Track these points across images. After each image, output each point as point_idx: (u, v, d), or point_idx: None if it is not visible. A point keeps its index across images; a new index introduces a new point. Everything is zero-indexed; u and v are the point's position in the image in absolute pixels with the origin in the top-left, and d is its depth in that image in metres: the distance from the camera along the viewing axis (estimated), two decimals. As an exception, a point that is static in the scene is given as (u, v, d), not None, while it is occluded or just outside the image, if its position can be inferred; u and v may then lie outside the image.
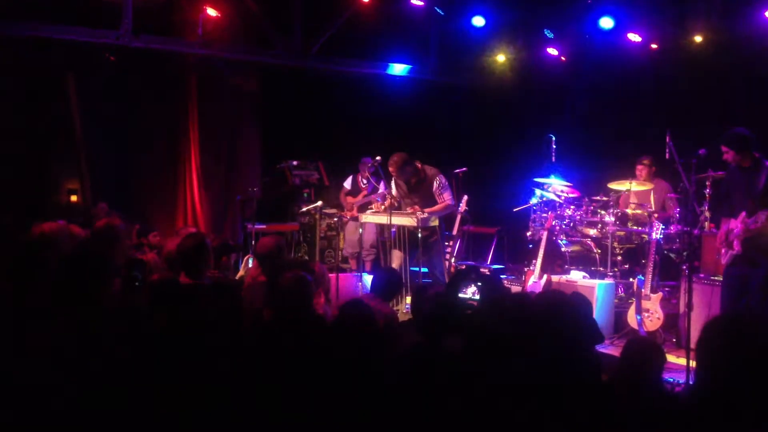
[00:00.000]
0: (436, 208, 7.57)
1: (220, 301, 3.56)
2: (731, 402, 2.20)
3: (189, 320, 3.44)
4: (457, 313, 3.72)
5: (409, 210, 7.55)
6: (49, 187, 10.07)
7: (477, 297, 4.61)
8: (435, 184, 7.60)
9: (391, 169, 7.60)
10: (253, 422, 2.97)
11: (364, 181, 9.33)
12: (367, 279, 7.67)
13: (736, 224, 5.92)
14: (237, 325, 3.52)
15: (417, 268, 7.71)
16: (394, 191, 7.85)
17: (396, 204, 7.77)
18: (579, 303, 3.20)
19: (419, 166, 7.63)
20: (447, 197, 7.63)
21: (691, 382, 5.25)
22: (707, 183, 7.18)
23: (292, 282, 4.21)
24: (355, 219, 8.99)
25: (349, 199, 9.59)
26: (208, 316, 3.39)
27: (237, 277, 7.27)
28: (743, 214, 5.87)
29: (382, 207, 7.86)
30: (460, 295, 4.65)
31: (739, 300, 5.90)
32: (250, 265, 7.24)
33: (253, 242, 8.45)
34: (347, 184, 9.61)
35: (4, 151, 9.18)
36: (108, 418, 2.82)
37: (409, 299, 7.35)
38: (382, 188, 9.01)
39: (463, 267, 8.60)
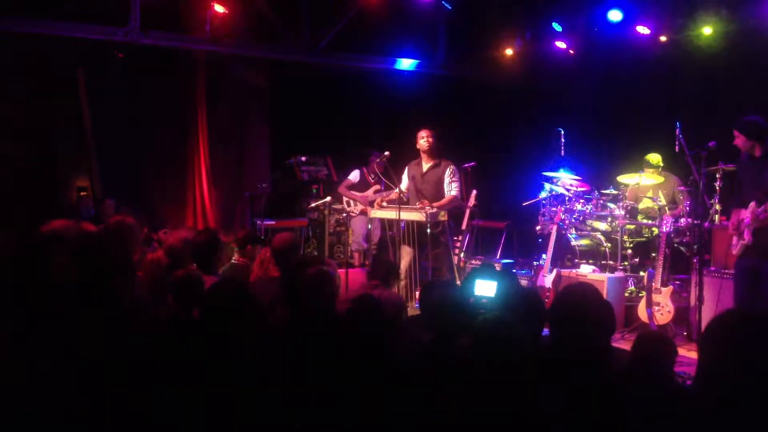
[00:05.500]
0: (443, 201, 7.56)
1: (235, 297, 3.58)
2: (731, 397, 2.20)
3: (209, 316, 3.45)
4: (469, 311, 3.72)
5: (418, 205, 7.54)
6: (59, 184, 10.10)
7: (491, 294, 4.59)
8: (448, 171, 7.62)
9: (426, 132, 7.64)
10: (269, 419, 2.98)
11: (373, 176, 9.30)
12: None
13: (746, 214, 5.90)
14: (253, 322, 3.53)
15: (426, 263, 7.70)
16: (404, 183, 7.84)
17: (405, 199, 7.76)
18: (594, 296, 3.19)
19: (439, 146, 7.74)
20: (455, 188, 7.62)
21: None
22: (717, 175, 7.15)
23: (315, 277, 4.20)
24: (364, 214, 8.98)
25: (355, 193, 9.53)
26: (227, 312, 3.40)
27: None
28: (753, 204, 5.85)
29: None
30: (475, 292, 4.63)
31: (752, 291, 5.86)
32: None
33: (262, 238, 8.46)
34: (354, 177, 9.55)
35: (14, 148, 9.22)
36: (115, 419, 2.83)
37: (418, 294, 7.34)
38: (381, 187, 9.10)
39: (478, 264, 8.60)
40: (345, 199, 9.64)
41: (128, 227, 5.44)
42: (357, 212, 9.38)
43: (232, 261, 5.90)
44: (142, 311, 3.61)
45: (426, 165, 7.71)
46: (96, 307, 3.12)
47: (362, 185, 9.55)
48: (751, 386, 2.19)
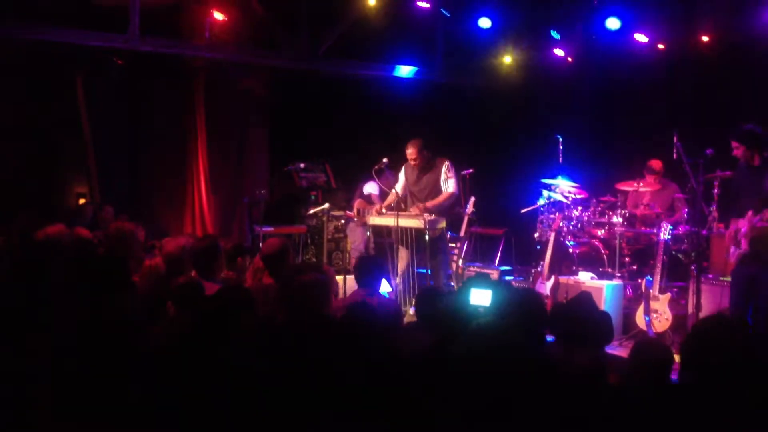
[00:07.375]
0: (439, 199, 7.51)
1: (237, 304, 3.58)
2: (711, 401, 2.24)
3: (211, 324, 3.45)
4: (465, 317, 3.71)
5: (416, 210, 7.51)
6: (58, 190, 10.10)
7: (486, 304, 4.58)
8: (444, 168, 7.58)
9: (412, 149, 7.60)
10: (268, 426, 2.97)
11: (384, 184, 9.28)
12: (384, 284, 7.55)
13: (744, 223, 5.91)
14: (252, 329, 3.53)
15: (424, 269, 7.69)
16: (400, 184, 7.80)
17: (403, 205, 7.72)
18: (588, 302, 3.19)
19: (427, 154, 7.69)
20: (452, 185, 7.59)
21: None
22: (715, 183, 7.15)
23: (308, 284, 4.22)
24: (364, 224, 8.95)
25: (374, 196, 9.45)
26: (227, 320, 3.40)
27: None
28: (750, 212, 5.86)
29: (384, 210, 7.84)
30: (471, 300, 4.62)
31: (748, 299, 5.86)
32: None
33: (260, 244, 8.44)
34: (374, 189, 9.45)
35: (13, 153, 9.22)
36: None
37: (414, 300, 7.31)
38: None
39: (475, 271, 8.59)
40: (357, 208, 9.55)
41: (128, 234, 5.44)
42: (359, 224, 9.30)
43: (221, 276, 5.83)
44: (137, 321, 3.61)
45: (421, 173, 7.68)
46: (91, 312, 3.13)
47: (382, 195, 9.45)
48: (724, 389, 2.23)
